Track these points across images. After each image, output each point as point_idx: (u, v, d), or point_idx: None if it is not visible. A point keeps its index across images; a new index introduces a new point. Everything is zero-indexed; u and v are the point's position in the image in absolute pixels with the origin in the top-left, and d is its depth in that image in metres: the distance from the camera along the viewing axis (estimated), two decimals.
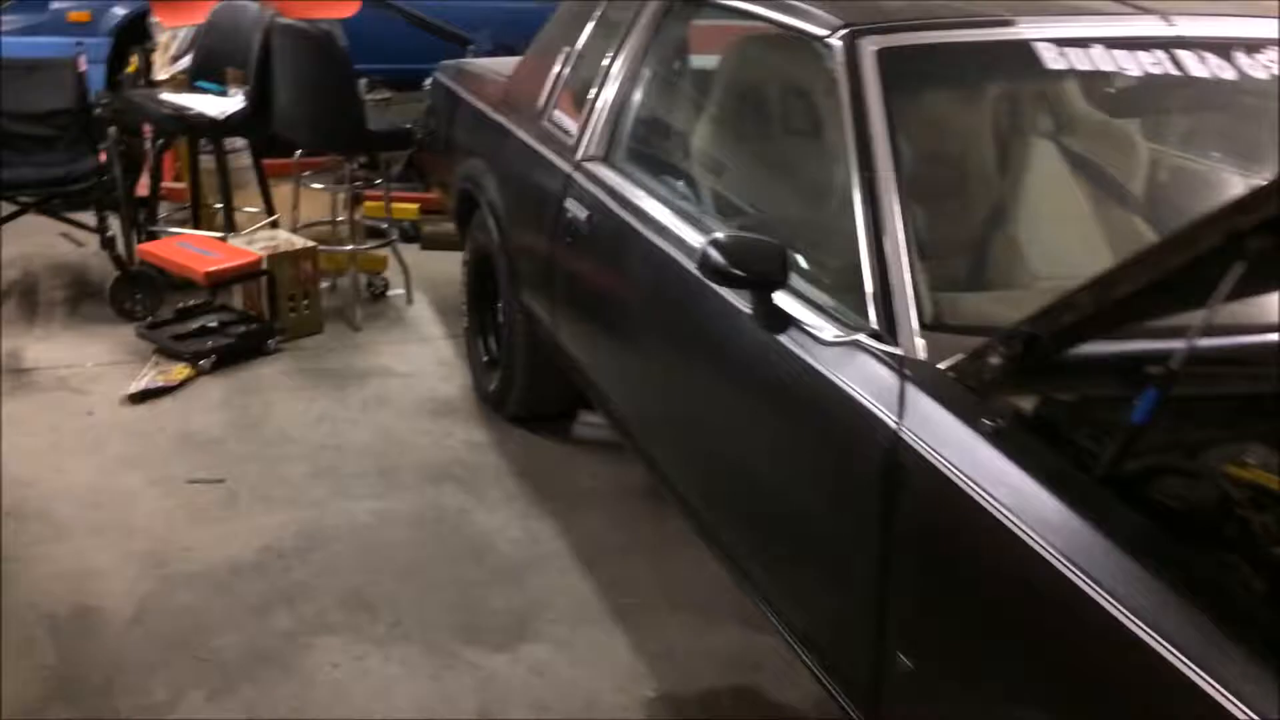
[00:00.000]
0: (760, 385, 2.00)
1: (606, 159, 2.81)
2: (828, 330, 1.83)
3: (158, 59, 4.70)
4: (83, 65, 4.14)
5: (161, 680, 2.40)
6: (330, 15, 4.65)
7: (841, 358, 1.78)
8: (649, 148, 2.78)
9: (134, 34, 5.40)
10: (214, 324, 3.92)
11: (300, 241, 4.12)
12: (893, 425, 1.61)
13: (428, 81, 5.42)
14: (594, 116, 2.83)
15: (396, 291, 4.60)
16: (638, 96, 2.78)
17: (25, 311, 4.20)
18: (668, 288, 2.34)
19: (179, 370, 3.71)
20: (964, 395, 1.58)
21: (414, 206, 5.20)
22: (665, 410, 2.48)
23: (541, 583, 2.81)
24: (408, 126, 4.23)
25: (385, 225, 4.54)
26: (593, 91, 2.86)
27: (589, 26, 3.04)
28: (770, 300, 1.91)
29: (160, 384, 3.62)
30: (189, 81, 4.37)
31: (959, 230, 2.01)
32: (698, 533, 2.40)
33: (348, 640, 2.55)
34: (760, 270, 1.88)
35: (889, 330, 1.75)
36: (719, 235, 1.93)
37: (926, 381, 1.64)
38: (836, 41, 2.06)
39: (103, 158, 4.01)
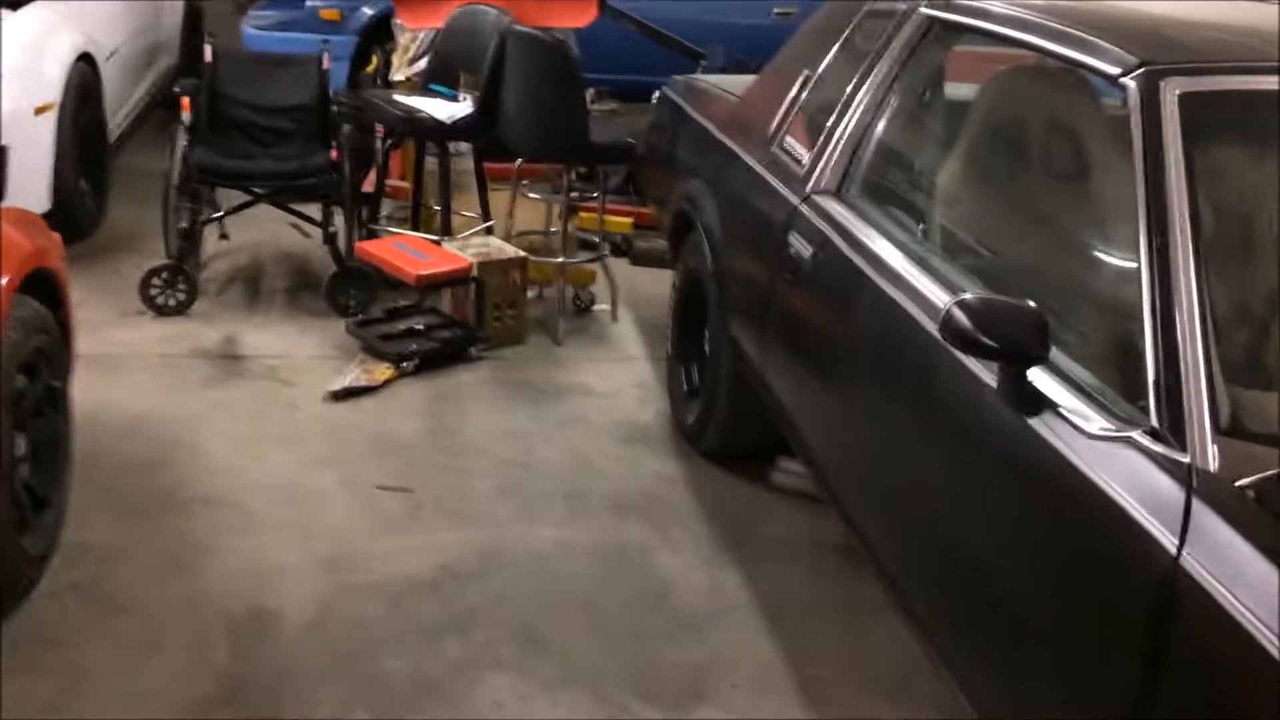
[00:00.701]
0: (998, 468, 1.74)
1: (839, 193, 2.59)
2: (1094, 421, 1.55)
3: (396, 60, 4.77)
4: (327, 62, 4.22)
5: (329, 694, 2.33)
6: (567, 24, 4.59)
7: (1109, 456, 1.50)
8: (887, 184, 2.55)
9: (378, 34, 5.54)
10: (420, 327, 3.91)
11: (511, 250, 4.07)
12: (1172, 548, 1.33)
13: (656, 95, 5.36)
14: (830, 146, 2.61)
15: (602, 307, 4.51)
16: (880, 127, 2.55)
17: (248, 297, 4.32)
18: (896, 341, 2.10)
19: (382, 370, 3.71)
20: (1269, 525, 1.29)
21: (627, 220, 5.11)
22: (876, 471, 2.23)
23: (723, 639, 2.61)
24: (630, 141, 4.12)
25: (598, 239, 4.45)
26: (831, 119, 2.64)
27: (833, 50, 2.82)
28: (1024, 377, 1.65)
29: (363, 383, 3.63)
30: (423, 84, 4.40)
31: (1264, 314, 1.69)
32: (897, 605, 2.15)
33: (515, 679, 2.42)
34: (1015, 342, 1.62)
35: (1173, 430, 1.46)
36: (967, 296, 1.68)
37: (1220, 500, 1.34)
38: (1131, 82, 1.77)
39: (334, 155, 4.07)
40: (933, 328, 1.94)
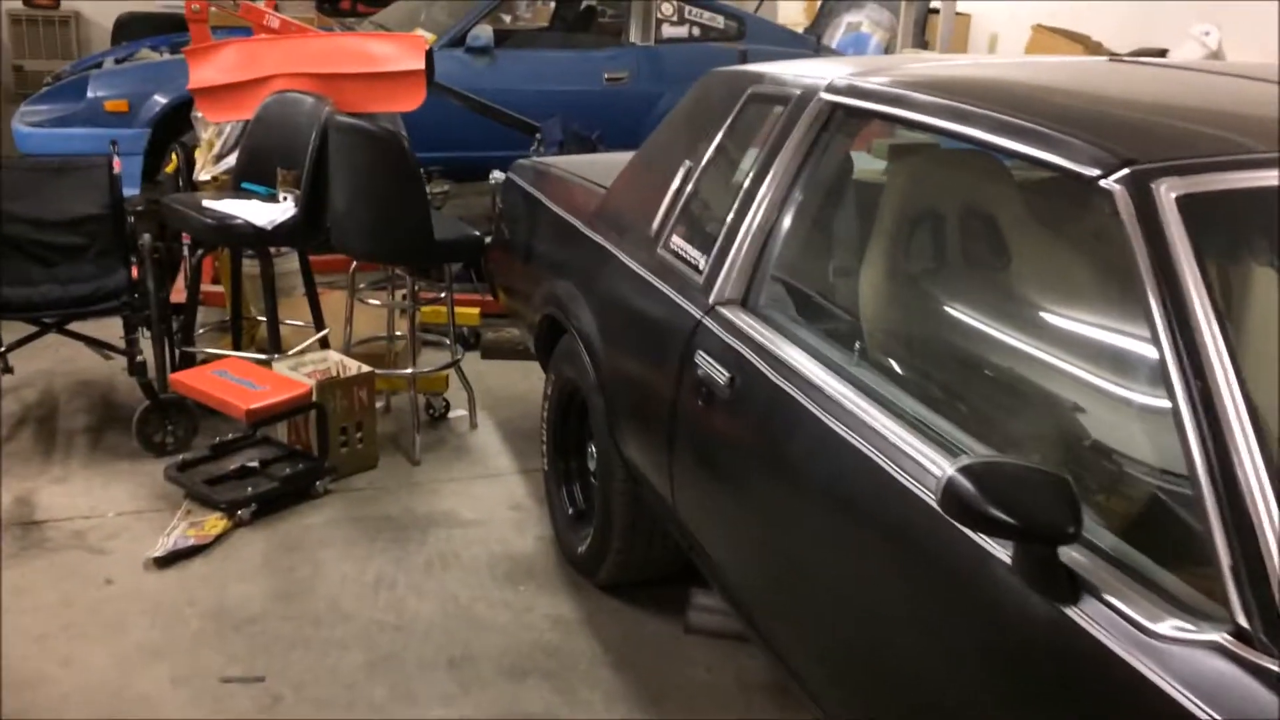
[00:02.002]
0: (1016, 658, 1.43)
1: (746, 303, 2.28)
2: (1162, 621, 1.26)
3: (200, 157, 4.24)
4: (118, 166, 3.67)
5: None
6: (394, 108, 4.18)
7: (1186, 663, 1.21)
8: (803, 292, 2.25)
9: (175, 126, 4.98)
10: (255, 463, 3.40)
11: (354, 366, 3.61)
12: None
13: (494, 175, 4.98)
14: (731, 250, 2.30)
15: (458, 413, 4.09)
16: (786, 228, 2.25)
17: (42, 443, 3.70)
18: (855, 491, 1.78)
19: (213, 522, 3.19)
20: None
21: (474, 311, 4.71)
22: (833, 629, 1.90)
23: None
24: (479, 235, 3.74)
25: (447, 341, 4.03)
26: (728, 219, 2.34)
27: (715, 139, 2.53)
28: (1055, 559, 1.35)
29: (191, 542, 3.09)
30: (234, 183, 3.89)
31: None
32: None
33: None
34: (1040, 518, 1.32)
35: (1267, 629, 1.18)
36: (971, 461, 1.38)
37: None
38: (1116, 186, 1.52)
39: (135, 273, 3.52)
40: (900, 476, 1.64)
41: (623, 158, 3.88)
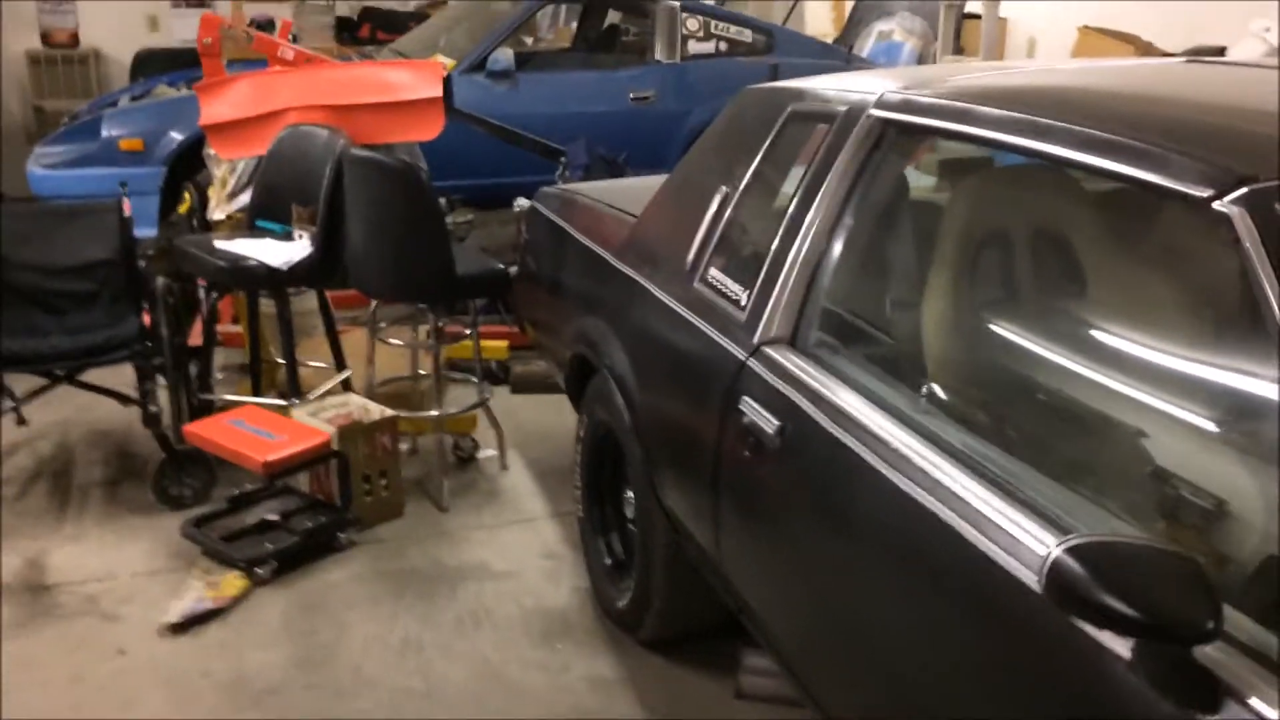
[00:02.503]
0: None
1: (794, 343, 2.07)
2: None
3: (214, 195, 4.09)
4: (128, 208, 3.52)
5: None
6: (412, 138, 4.01)
7: None
8: (859, 330, 2.04)
9: (189, 165, 4.84)
10: (274, 517, 3.23)
11: (377, 410, 3.43)
12: None
13: (518, 203, 4.81)
14: (777, 283, 2.09)
15: (488, 453, 3.90)
16: (837, 257, 2.04)
17: (56, 499, 3.55)
18: (926, 558, 1.57)
19: (231, 582, 3.01)
20: None
21: (503, 344, 4.54)
22: (903, 715, 1.69)
23: None
24: (503, 267, 3.55)
25: (474, 379, 3.85)
26: (772, 249, 2.13)
27: (754, 162, 2.33)
28: (1189, 659, 1.14)
29: (208, 604, 2.92)
30: (248, 222, 3.74)
31: None
32: None
33: None
34: (1169, 613, 1.11)
35: None
36: (1079, 540, 1.17)
37: None
38: (1234, 209, 1.30)
39: (147, 319, 3.37)
40: (986, 547, 1.42)
41: (653, 182, 3.69)
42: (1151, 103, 1.72)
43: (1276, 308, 1.23)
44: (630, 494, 2.87)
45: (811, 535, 1.89)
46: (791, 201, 2.13)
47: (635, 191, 3.38)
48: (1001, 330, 1.92)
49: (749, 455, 2.02)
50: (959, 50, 5.81)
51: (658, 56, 5.96)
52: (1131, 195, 1.72)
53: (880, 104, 2.01)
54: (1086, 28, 5.68)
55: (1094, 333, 1.79)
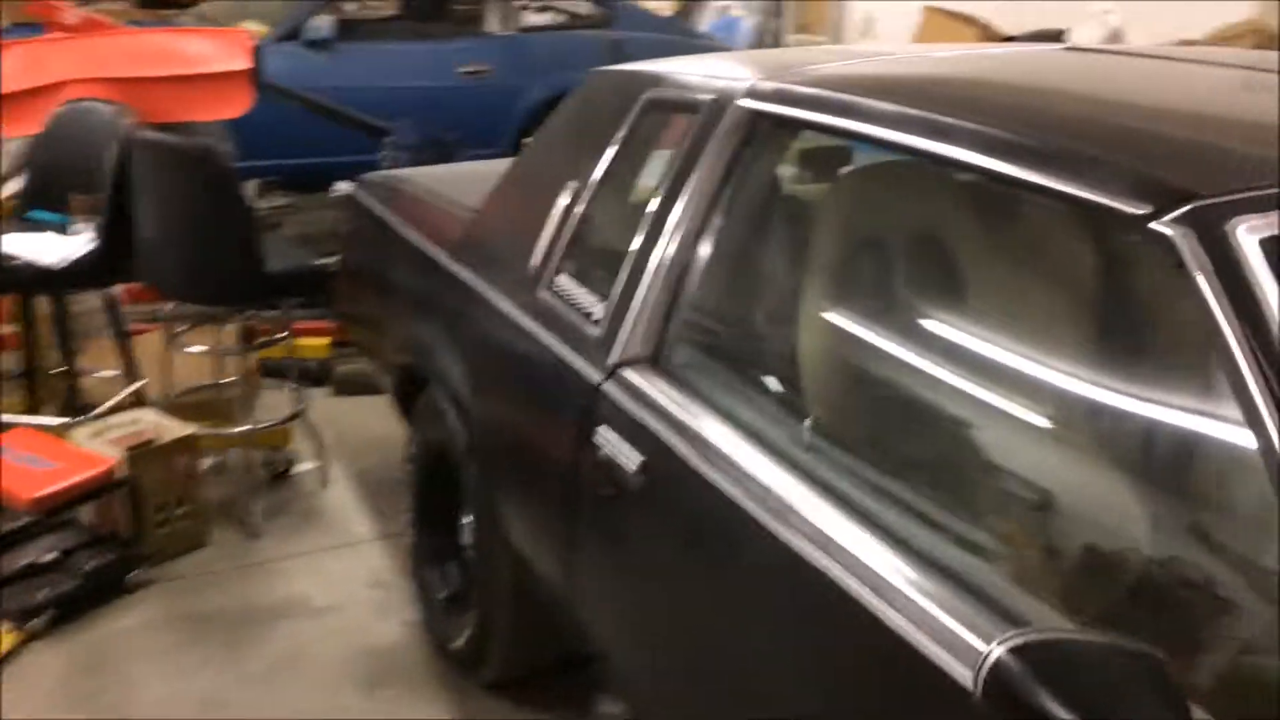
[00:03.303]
0: None
1: (656, 363, 1.81)
2: None
3: None
4: None
5: None
6: (214, 116, 3.57)
7: None
8: (731, 347, 1.81)
9: None
10: (50, 557, 2.78)
11: (174, 427, 3.01)
12: None
13: (336, 187, 4.39)
14: (636, 293, 1.83)
15: (306, 466, 3.52)
16: (705, 264, 1.79)
17: None
18: (821, 630, 1.34)
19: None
20: None
21: (322, 342, 4.14)
22: None
23: None
24: (321, 264, 3.18)
25: (291, 384, 3.46)
26: (631, 254, 1.87)
27: (608, 154, 2.05)
28: None
29: None
30: (20, 212, 3.23)
31: None
32: None
33: None
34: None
35: None
36: (1024, 637, 0.97)
37: None
38: (1176, 229, 1.11)
39: None
40: (894, 621, 1.20)
41: (488, 170, 3.37)
42: (1058, 98, 1.53)
43: (1235, 344, 1.04)
44: (467, 520, 2.57)
45: (680, 587, 1.64)
46: (652, 201, 1.87)
47: (470, 180, 3.06)
48: (886, 346, 1.71)
49: (608, 493, 1.76)
50: (801, 28, 5.68)
51: (490, 28, 5.60)
52: (1017, 196, 1.56)
53: (751, 94, 1.77)
54: (932, 8, 5.63)
55: (973, 343, 1.61)
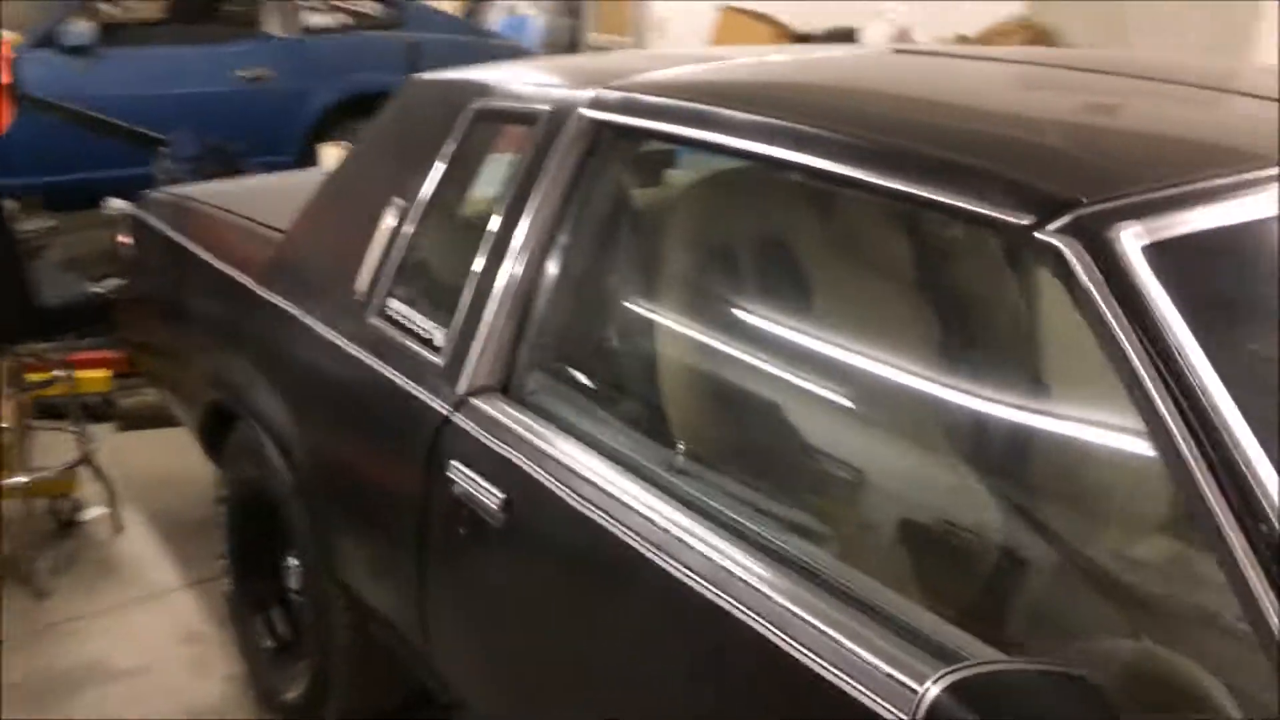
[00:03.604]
0: None
1: (508, 391, 1.71)
2: None
3: None
4: None
5: None
6: None
7: None
8: (588, 371, 1.72)
9: None
10: None
11: None
12: None
13: (109, 204, 4.03)
14: (482, 320, 1.72)
15: (95, 512, 3.21)
16: (554, 285, 1.71)
17: None
18: (716, 667, 1.29)
19: None
20: None
21: (102, 374, 3.79)
22: None
23: None
24: (99, 292, 2.89)
25: (71, 430, 3.13)
26: (473, 276, 1.76)
27: (435, 170, 1.93)
28: None
29: None
30: None
31: None
32: None
33: None
34: None
35: None
36: (962, 672, 0.94)
37: None
38: (1060, 239, 1.10)
39: None
40: (812, 661, 1.15)
41: (287, 184, 3.18)
42: (922, 106, 1.52)
43: (1133, 355, 1.04)
44: (294, 563, 2.39)
45: (555, 630, 1.55)
46: (491, 219, 1.76)
47: (267, 197, 2.87)
48: (747, 358, 1.67)
49: (466, 533, 1.65)
50: (601, 29, 5.63)
51: (270, 29, 5.30)
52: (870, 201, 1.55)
53: (595, 104, 1.69)
54: (730, 8, 5.70)
55: (828, 350, 1.61)
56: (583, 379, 1.73)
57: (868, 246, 1.93)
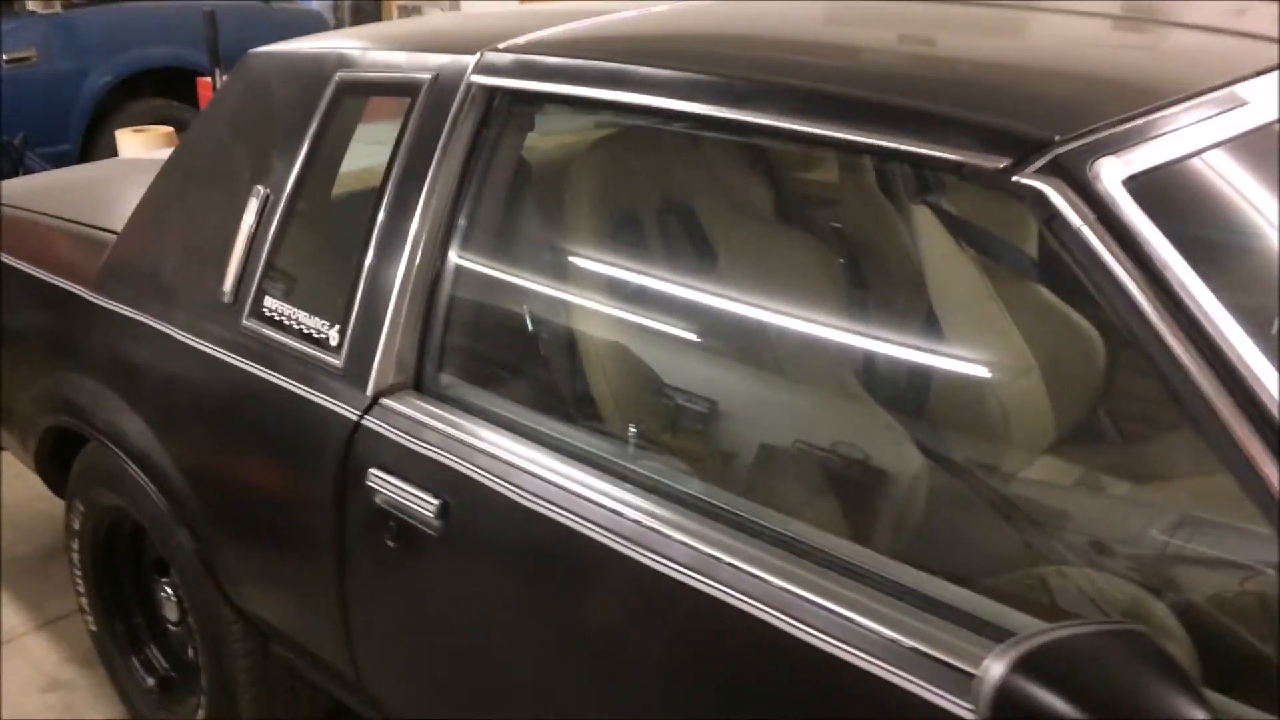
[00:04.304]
0: None
1: (420, 387, 1.59)
2: None
3: None
4: None
5: None
6: None
7: None
8: (515, 364, 1.62)
9: None
10: None
11: None
12: None
13: None
14: (384, 312, 1.58)
15: None
16: (457, 267, 1.58)
17: None
18: (725, 660, 1.23)
19: None
20: None
21: None
22: None
23: None
24: None
25: None
26: (363, 265, 1.61)
27: (300, 152, 1.75)
28: None
29: None
30: None
31: None
32: None
33: None
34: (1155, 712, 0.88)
35: None
36: (1024, 646, 0.91)
37: None
38: (1039, 180, 1.08)
39: None
40: (849, 655, 1.10)
41: (89, 177, 2.91)
42: (855, 51, 1.46)
43: (1135, 290, 1.02)
44: (169, 594, 2.19)
45: (514, 641, 1.45)
46: (379, 203, 1.61)
47: (74, 193, 2.61)
48: (672, 328, 1.61)
49: (396, 546, 1.52)
50: None
51: (30, 6, 4.79)
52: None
53: (483, 68, 1.56)
54: None
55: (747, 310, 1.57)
56: (499, 366, 1.62)
57: (762, 197, 1.89)
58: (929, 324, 1.77)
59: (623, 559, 1.27)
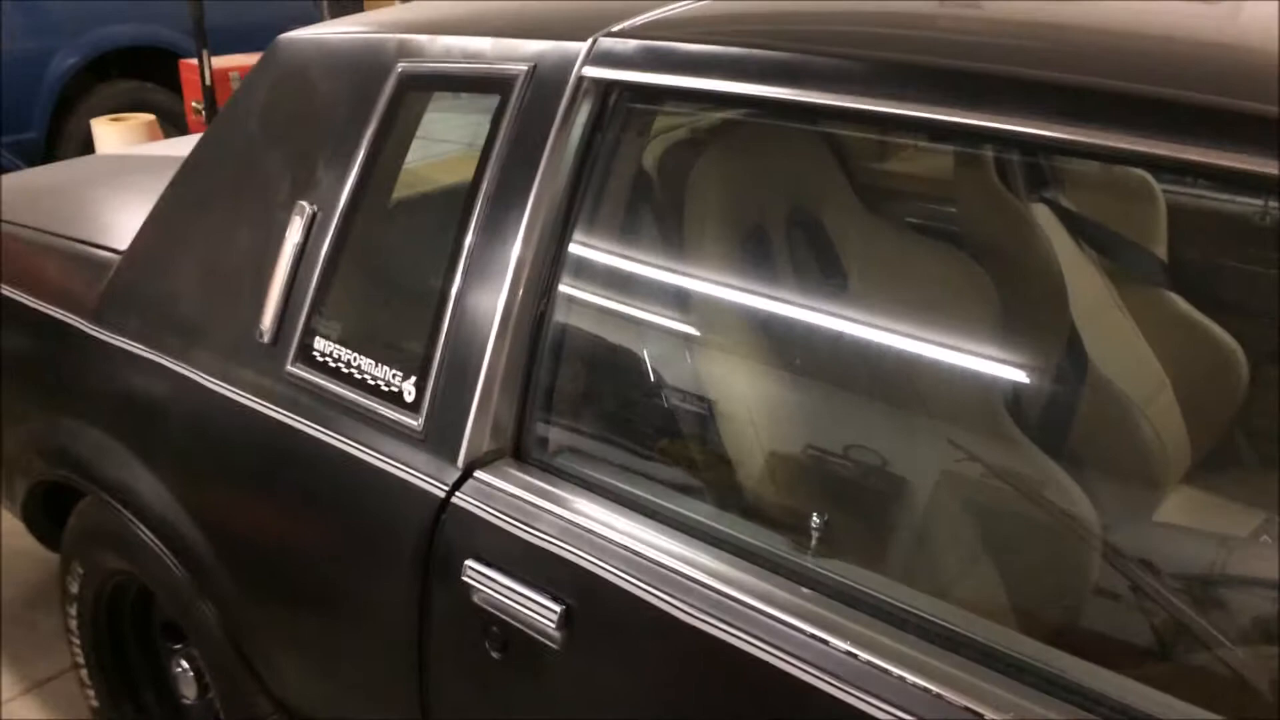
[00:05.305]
0: None
1: (520, 454, 1.28)
2: None
3: None
4: None
5: None
6: None
7: None
8: (635, 422, 1.31)
9: None
10: None
11: None
12: None
13: None
14: (478, 359, 1.27)
15: None
16: (573, 305, 1.28)
17: None
18: None
19: None
20: None
21: None
22: None
23: None
24: None
25: None
26: (448, 305, 1.30)
27: (356, 159, 1.43)
28: None
29: None
30: None
31: None
32: None
33: None
34: None
35: None
36: None
37: None
38: None
39: None
40: None
41: (69, 178, 2.56)
42: (1068, 32, 1.16)
43: None
44: (186, 666, 1.89)
45: None
46: (464, 223, 1.30)
47: (50, 198, 2.28)
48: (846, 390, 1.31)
49: (501, 657, 1.22)
50: None
51: None
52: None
53: (598, 57, 1.25)
54: None
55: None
56: (620, 429, 1.32)
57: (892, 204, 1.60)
58: (1073, 345, 1.50)
59: (823, 698, 0.98)
